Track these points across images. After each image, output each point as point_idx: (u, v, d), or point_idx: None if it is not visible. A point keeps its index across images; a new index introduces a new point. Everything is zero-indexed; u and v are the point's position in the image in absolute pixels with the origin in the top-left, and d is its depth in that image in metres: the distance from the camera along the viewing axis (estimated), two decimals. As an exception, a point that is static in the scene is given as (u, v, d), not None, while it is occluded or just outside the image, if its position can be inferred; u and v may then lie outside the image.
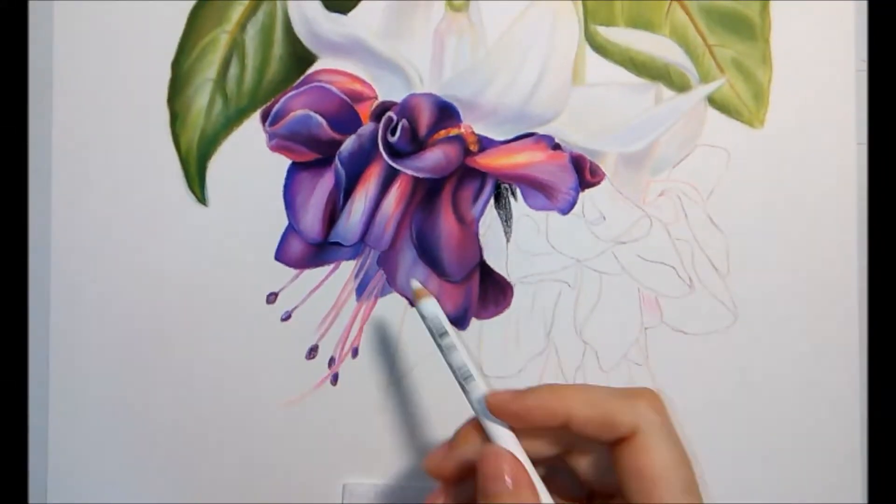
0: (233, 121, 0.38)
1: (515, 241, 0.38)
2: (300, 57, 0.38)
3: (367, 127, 0.37)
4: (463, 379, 0.29)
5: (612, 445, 0.27)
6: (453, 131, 0.38)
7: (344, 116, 0.37)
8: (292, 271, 0.38)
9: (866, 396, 0.37)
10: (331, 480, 0.38)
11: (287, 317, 0.38)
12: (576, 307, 0.38)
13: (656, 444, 0.27)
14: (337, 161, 0.37)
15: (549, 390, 0.28)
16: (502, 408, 0.28)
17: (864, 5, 0.38)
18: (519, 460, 0.27)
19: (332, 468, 0.38)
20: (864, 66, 0.39)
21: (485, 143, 0.38)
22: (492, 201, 0.38)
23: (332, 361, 0.38)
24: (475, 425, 0.29)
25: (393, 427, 0.38)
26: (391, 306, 0.38)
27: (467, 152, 0.38)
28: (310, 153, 0.38)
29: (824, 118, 0.38)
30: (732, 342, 0.38)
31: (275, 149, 0.38)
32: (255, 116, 0.38)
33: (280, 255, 0.38)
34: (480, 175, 0.38)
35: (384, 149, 0.37)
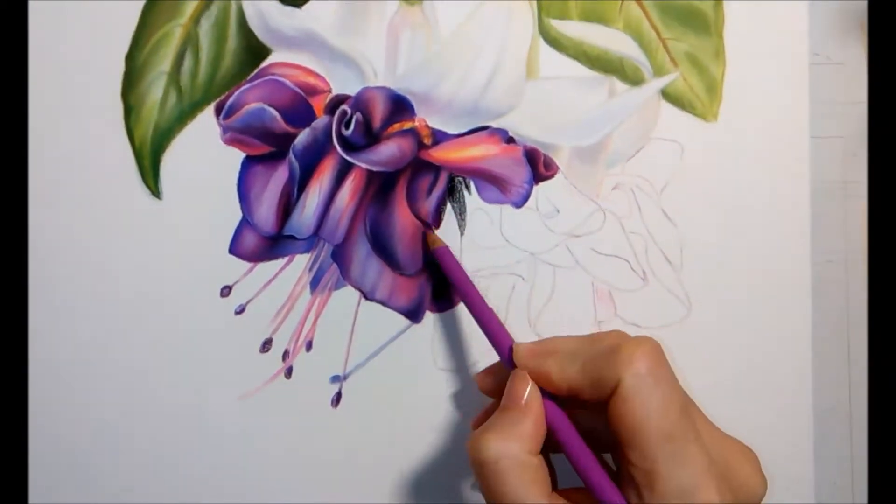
0: (187, 114, 0.38)
1: (469, 234, 0.38)
2: (254, 50, 0.38)
3: (321, 120, 0.37)
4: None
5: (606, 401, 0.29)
6: (407, 125, 0.38)
7: (298, 110, 0.37)
8: (246, 265, 0.38)
9: (812, 388, 0.37)
10: (284, 474, 0.38)
11: (241, 310, 0.38)
12: (529, 301, 0.38)
13: (634, 394, 0.28)
14: (291, 154, 0.37)
15: (554, 358, 0.30)
16: (521, 364, 0.32)
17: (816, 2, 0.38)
18: (538, 389, 0.31)
19: (285, 461, 0.38)
20: (818, 59, 0.39)
21: (439, 137, 0.38)
22: (446, 195, 0.38)
23: (286, 355, 0.38)
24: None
25: (348, 421, 0.38)
26: (345, 299, 0.38)
27: (421, 146, 0.38)
28: (264, 146, 0.38)
29: (777, 112, 0.39)
30: (686, 335, 0.38)
31: (229, 142, 0.38)
32: (209, 110, 0.38)
33: (234, 249, 0.38)
34: (434, 168, 0.38)
35: (338, 142, 0.37)
